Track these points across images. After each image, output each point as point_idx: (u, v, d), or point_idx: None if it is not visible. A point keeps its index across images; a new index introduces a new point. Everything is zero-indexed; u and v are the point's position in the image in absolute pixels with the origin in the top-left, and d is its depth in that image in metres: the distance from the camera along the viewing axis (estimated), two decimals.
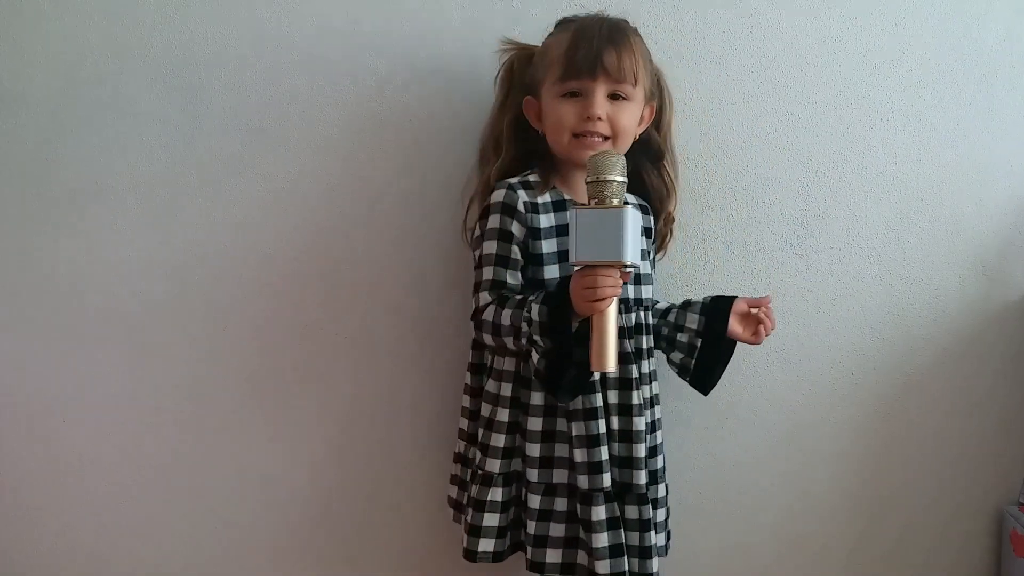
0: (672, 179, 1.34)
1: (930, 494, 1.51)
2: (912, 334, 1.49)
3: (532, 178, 1.26)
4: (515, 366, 1.23)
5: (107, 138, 1.44)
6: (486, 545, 1.23)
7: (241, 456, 1.48)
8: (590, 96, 1.20)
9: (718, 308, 1.29)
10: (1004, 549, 1.49)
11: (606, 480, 1.19)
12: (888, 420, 1.50)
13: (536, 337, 1.13)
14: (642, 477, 1.22)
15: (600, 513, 1.19)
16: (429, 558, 1.48)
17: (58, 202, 1.45)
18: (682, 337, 1.31)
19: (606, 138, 1.22)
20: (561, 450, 1.21)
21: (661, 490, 1.28)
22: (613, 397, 1.22)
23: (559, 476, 1.21)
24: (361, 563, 1.50)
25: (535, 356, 1.15)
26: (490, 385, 1.26)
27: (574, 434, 1.20)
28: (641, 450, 1.22)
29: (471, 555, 1.24)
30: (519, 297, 1.18)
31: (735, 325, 1.28)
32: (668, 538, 1.34)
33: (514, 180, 1.25)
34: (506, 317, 1.17)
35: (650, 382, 1.28)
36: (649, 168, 1.33)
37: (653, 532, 1.23)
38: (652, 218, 1.33)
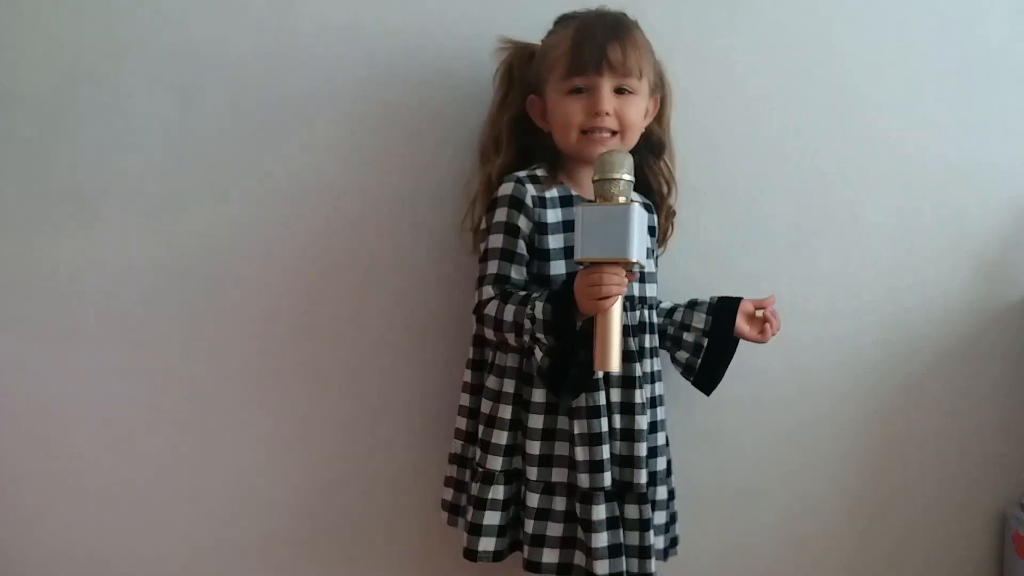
0: (671, 172, 1.34)
1: (931, 494, 1.51)
2: (913, 334, 1.49)
3: (539, 172, 1.26)
4: (518, 362, 1.23)
5: (106, 138, 1.44)
6: (487, 544, 1.23)
7: (240, 456, 1.48)
8: (596, 92, 1.20)
9: (725, 308, 1.29)
10: (1006, 550, 1.49)
11: (607, 479, 1.19)
12: (889, 420, 1.50)
13: (539, 335, 1.13)
14: (643, 476, 1.22)
15: (600, 512, 1.18)
16: (427, 557, 1.48)
17: (58, 202, 1.45)
18: (688, 336, 1.31)
19: (614, 133, 1.22)
20: (561, 448, 1.21)
21: (662, 492, 1.28)
22: (616, 395, 1.22)
23: (558, 475, 1.21)
24: (359, 562, 1.50)
25: (538, 354, 1.15)
26: (491, 382, 1.25)
27: (576, 432, 1.19)
28: (643, 449, 1.22)
29: (471, 554, 1.23)
30: (523, 294, 1.18)
31: (742, 324, 1.29)
32: (675, 543, 1.34)
33: (522, 174, 1.24)
34: (509, 313, 1.16)
35: (653, 381, 1.28)
36: (651, 162, 1.33)
37: (651, 532, 1.22)
38: (655, 216, 1.33)
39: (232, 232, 1.45)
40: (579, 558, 1.21)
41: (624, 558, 1.19)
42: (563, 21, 1.27)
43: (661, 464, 1.28)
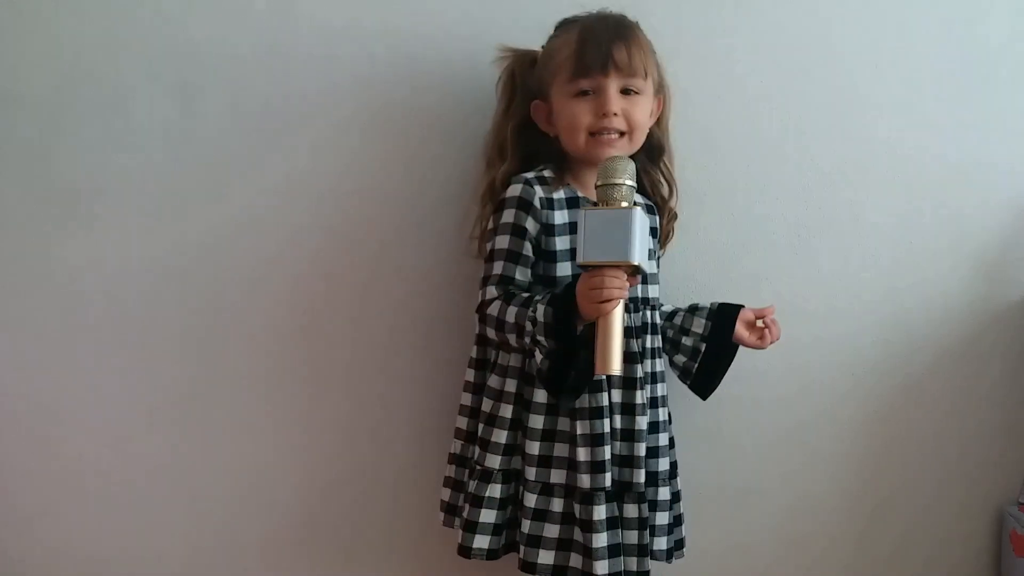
0: (671, 174, 1.34)
1: (930, 494, 1.51)
2: (913, 334, 1.49)
3: (547, 173, 1.26)
4: (520, 362, 1.23)
5: (106, 138, 1.44)
6: (481, 542, 1.23)
7: (240, 456, 1.48)
8: (603, 93, 1.20)
9: (725, 314, 1.30)
10: (1004, 549, 1.49)
11: (608, 480, 1.19)
12: (888, 420, 1.50)
13: (540, 338, 1.13)
14: (641, 476, 1.22)
15: (600, 513, 1.18)
16: (427, 557, 1.48)
17: (57, 202, 1.45)
18: (687, 341, 1.32)
19: (622, 133, 1.22)
20: (561, 450, 1.21)
21: (664, 493, 1.27)
22: (617, 396, 1.22)
23: (557, 476, 1.21)
24: (359, 563, 1.50)
25: (538, 357, 1.15)
26: (493, 381, 1.25)
27: (579, 432, 1.19)
28: (642, 449, 1.22)
29: (465, 551, 1.23)
30: (526, 295, 1.18)
31: (741, 331, 1.29)
32: (681, 545, 1.34)
33: (530, 175, 1.25)
34: (510, 314, 1.17)
35: (655, 382, 1.28)
36: (650, 164, 1.33)
37: (648, 531, 1.23)
38: (657, 217, 1.33)
39: (232, 232, 1.45)
40: (575, 560, 1.21)
41: (623, 558, 1.19)
42: (564, 25, 1.27)
43: (663, 465, 1.28)
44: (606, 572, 1.18)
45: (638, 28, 1.25)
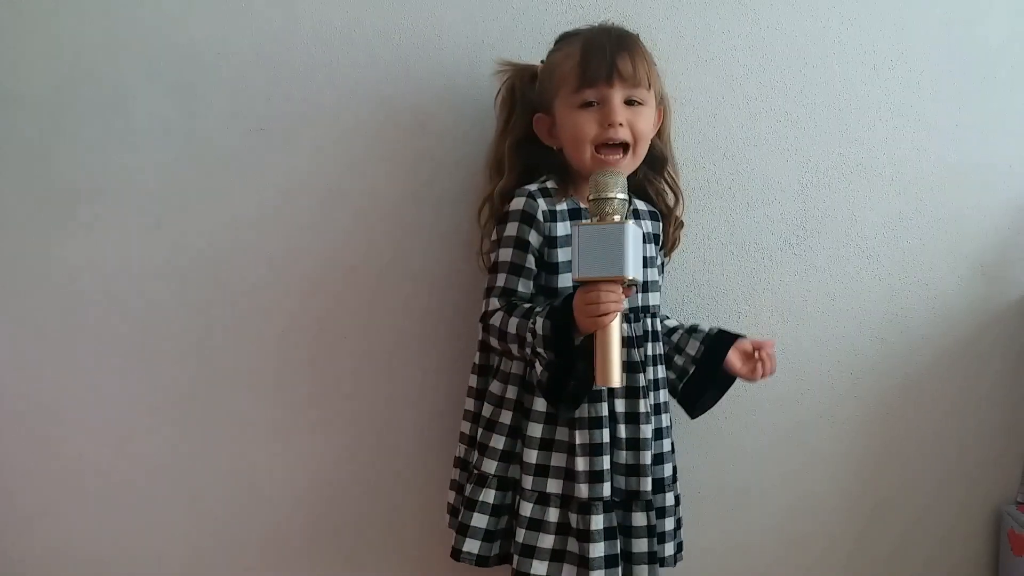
0: (676, 184, 1.35)
1: (929, 494, 1.51)
2: (911, 334, 1.49)
3: (550, 184, 1.26)
4: (521, 370, 1.24)
5: (106, 138, 1.44)
6: (471, 546, 1.23)
7: (241, 458, 1.48)
8: (608, 103, 1.21)
9: (720, 341, 1.30)
10: (1002, 548, 1.49)
11: (606, 489, 1.19)
12: (887, 420, 1.50)
13: (540, 350, 1.14)
14: (648, 484, 1.22)
15: (598, 523, 1.18)
16: (430, 561, 1.48)
17: (57, 202, 1.44)
18: (678, 359, 1.33)
19: (626, 146, 1.22)
20: (558, 459, 1.21)
21: (669, 499, 1.28)
22: (620, 406, 1.23)
23: (553, 486, 1.21)
24: (361, 563, 1.50)
25: (538, 368, 1.16)
26: (495, 387, 1.26)
27: (578, 442, 1.20)
28: (648, 457, 1.23)
29: (455, 553, 1.24)
30: (527, 306, 1.19)
31: (734, 360, 1.29)
32: (680, 548, 1.34)
33: (533, 187, 1.25)
34: (512, 325, 1.18)
35: (657, 388, 1.28)
36: (654, 176, 1.34)
37: (657, 539, 1.23)
38: (662, 224, 1.34)
39: (232, 233, 1.45)
40: (568, 571, 1.20)
41: (619, 568, 1.19)
42: (566, 38, 1.27)
43: (668, 471, 1.28)
44: None
45: (639, 40, 1.26)
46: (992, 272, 1.48)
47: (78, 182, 1.44)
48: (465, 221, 1.41)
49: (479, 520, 1.23)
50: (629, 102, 1.22)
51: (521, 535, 1.20)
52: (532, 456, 1.21)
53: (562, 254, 1.22)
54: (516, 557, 1.21)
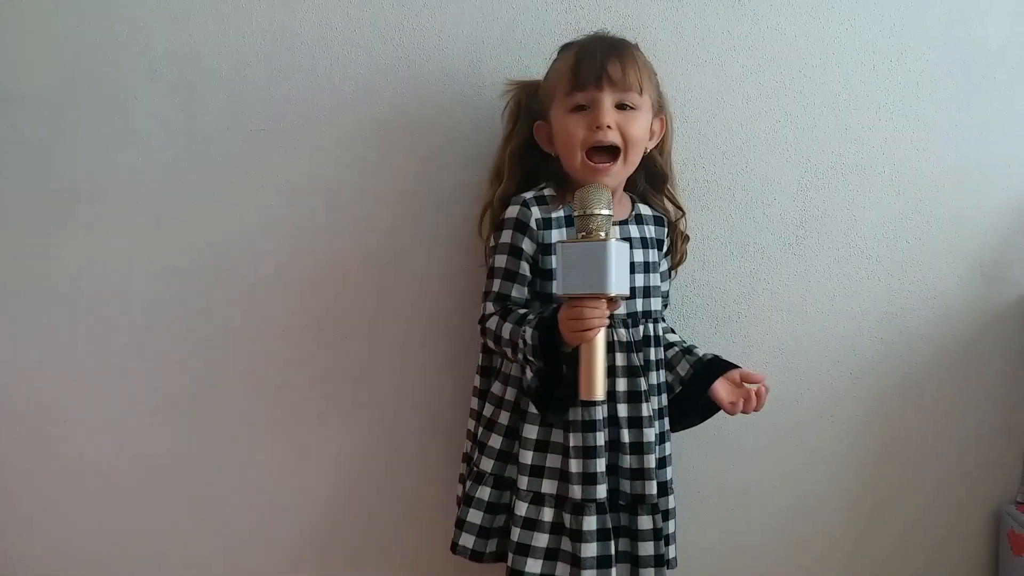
0: (676, 199, 1.36)
1: (929, 493, 1.51)
2: (911, 334, 1.49)
3: (547, 192, 1.28)
4: (520, 372, 1.25)
5: (106, 138, 1.44)
6: (466, 540, 1.25)
7: (242, 458, 1.48)
8: (597, 107, 1.21)
9: (711, 368, 1.29)
10: (1002, 548, 1.49)
11: (600, 492, 1.20)
12: (887, 420, 1.50)
13: (530, 357, 1.16)
14: (653, 487, 1.23)
15: (591, 524, 1.19)
16: (437, 559, 1.47)
17: (57, 202, 1.45)
18: (668, 377, 1.33)
19: (615, 155, 1.23)
20: (553, 460, 1.23)
21: (672, 501, 1.29)
22: (623, 410, 1.24)
23: (548, 486, 1.22)
24: (363, 564, 1.50)
25: (528, 374, 1.20)
26: (495, 387, 1.28)
27: (571, 445, 1.21)
28: (652, 460, 1.24)
29: (453, 546, 1.27)
30: (521, 312, 1.22)
31: (720, 389, 1.28)
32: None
33: (529, 195, 1.26)
34: (506, 331, 1.20)
35: (660, 393, 1.29)
36: (654, 192, 1.35)
37: (663, 542, 1.24)
38: (666, 230, 1.34)
39: (232, 233, 1.45)
40: (562, 569, 1.21)
41: (613, 570, 1.20)
42: (566, 47, 1.29)
43: (670, 474, 1.29)
44: None
45: (636, 49, 1.27)
46: (991, 272, 1.49)
47: (78, 182, 1.44)
48: (465, 221, 1.41)
49: (474, 516, 1.25)
50: (621, 106, 1.23)
51: (516, 534, 1.22)
52: (528, 457, 1.23)
53: (555, 261, 1.22)
54: (511, 555, 1.22)
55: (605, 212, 1.11)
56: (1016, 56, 1.47)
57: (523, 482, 1.22)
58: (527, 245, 1.24)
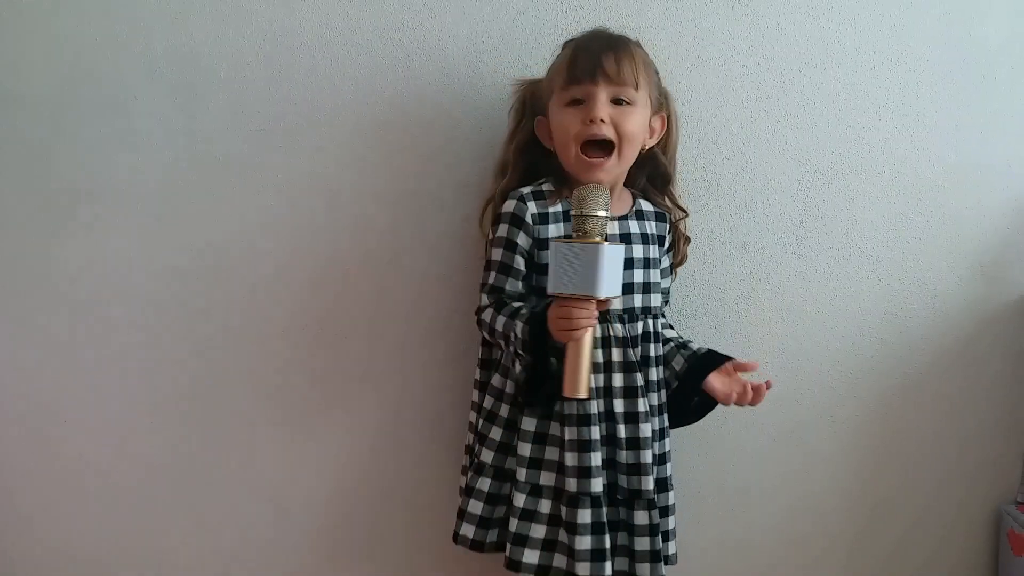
0: (677, 201, 1.36)
1: (928, 493, 1.52)
2: (911, 334, 1.49)
3: (546, 187, 1.28)
4: (511, 363, 1.25)
5: (106, 138, 1.44)
6: (467, 530, 1.27)
7: (242, 457, 1.48)
8: (592, 101, 1.22)
9: (705, 362, 1.28)
10: (1002, 548, 1.49)
11: (595, 485, 1.21)
12: (887, 420, 1.50)
13: (520, 351, 1.18)
14: (650, 483, 1.24)
15: (585, 516, 1.20)
16: (440, 554, 1.47)
17: (58, 202, 1.45)
18: (665, 372, 1.32)
19: (610, 150, 1.23)
20: (551, 453, 1.23)
21: (672, 498, 1.29)
22: (619, 406, 1.24)
23: (546, 479, 1.23)
24: (365, 561, 1.50)
25: (517, 366, 1.20)
26: (496, 380, 1.29)
27: (566, 438, 1.22)
28: (648, 456, 1.24)
29: (455, 536, 1.28)
30: (516, 306, 1.23)
31: (715, 381, 1.27)
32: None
33: (526, 190, 1.27)
34: (499, 323, 1.22)
35: (658, 389, 1.29)
36: (655, 191, 1.36)
37: (660, 537, 1.24)
38: (668, 225, 1.34)
39: (233, 233, 1.45)
40: (559, 560, 1.22)
41: (608, 563, 1.20)
42: (567, 44, 1.29)
43: (669, 470, 1.30)
44: (587, 574, 1.19)
45: (636, 45, 1.27)
46: (991, 272, 1.49)
47: (78, 182, 1.44)
48: (465, 221, 1.41)
49: (475, 507, 1.26)
50: (617, 101, 1.23)
51: (514, 524, 1.23)
52: (526, 449, 1.23)
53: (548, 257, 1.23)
54: (509, 546, 1.23)
55: (601, 214, 1.11)
56: (1016, 56, 1.47)
57: (521, 474, 1.23)
58: (522, 239, 1.24)
